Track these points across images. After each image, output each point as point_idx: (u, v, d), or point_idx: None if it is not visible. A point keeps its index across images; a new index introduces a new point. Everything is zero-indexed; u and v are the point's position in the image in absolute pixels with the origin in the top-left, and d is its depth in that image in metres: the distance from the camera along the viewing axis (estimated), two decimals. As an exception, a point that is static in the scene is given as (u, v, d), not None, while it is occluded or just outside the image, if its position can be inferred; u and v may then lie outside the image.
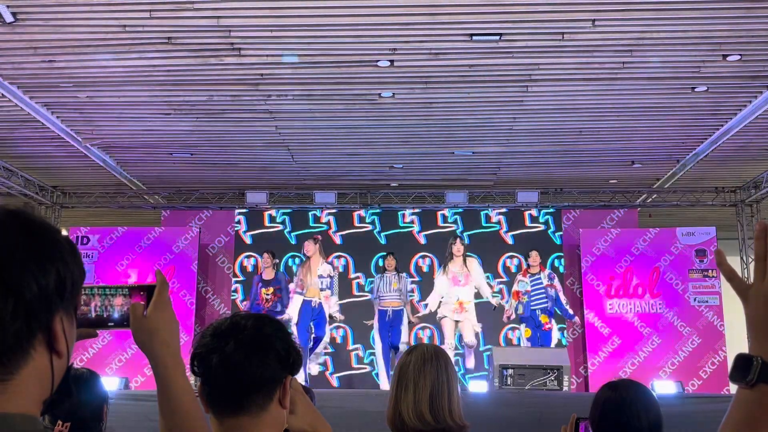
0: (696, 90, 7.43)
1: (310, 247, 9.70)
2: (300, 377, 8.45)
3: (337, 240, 10.76)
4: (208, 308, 10.80)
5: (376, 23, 6.14)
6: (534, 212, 10.82)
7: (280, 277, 9.72)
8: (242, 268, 10.77)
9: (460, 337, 9.51)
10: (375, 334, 9.60)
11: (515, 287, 9.56)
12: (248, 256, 10.79)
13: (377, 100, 7.78)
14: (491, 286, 10.06)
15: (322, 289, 9.34)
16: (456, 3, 5.82)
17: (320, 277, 9.32)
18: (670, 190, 10.76)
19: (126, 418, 5.47)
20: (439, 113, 8.14)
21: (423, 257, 10.72)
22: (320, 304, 9.34)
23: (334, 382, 10.19)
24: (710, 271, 10.19)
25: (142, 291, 1.31)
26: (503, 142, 9.05)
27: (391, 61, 6.85)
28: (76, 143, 8.95)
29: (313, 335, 9.34)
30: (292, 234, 10.81)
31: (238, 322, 1.46)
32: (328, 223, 10.85)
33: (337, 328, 10.19)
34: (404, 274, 9.74)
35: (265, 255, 9.87)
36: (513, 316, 9.52)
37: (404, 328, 9.39)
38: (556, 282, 9.57)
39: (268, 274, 9.72)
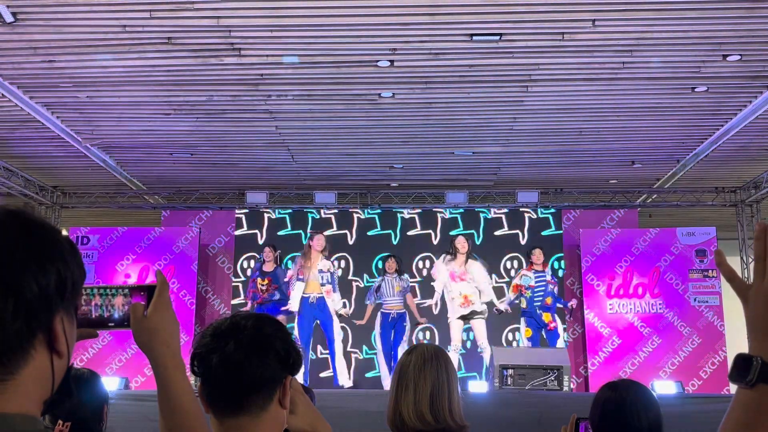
0: (696, 90, 7.43)
1: (321, 242, 9.63)
2: (299, 377, 8.49)
3: (338, 240, 10.76)
4: (208, 308, 10.80)
5: (376, 23, 6.14)
6: (533, 213, 10.82)
7: (279, 273, 9.74)
8: (243, 270, 10.77)
9: (473, 343, 9.59)
10: (377, 335, 9.59)
11: (517, 281, 9.55)
12: (249, 258, 10.79)
13: (377, 100, 7.78)
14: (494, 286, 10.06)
15: (322, 284, 9.31)
16: (456, 3, 5.82)
17: (320, 271, 9.30)
18: (670, 190, 10.76)
19: (126, 418, 5.47)
20: (439, 113, 8.14)
21: (423, 259, 10.72)
22: (319, 299, 9.30)
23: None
24: (710, 271, 10.19)
25: (142, 291, 1.32)
26: (503, 142, 9.05)
27: (391, 61, 6.85)
28: (76, 143, 8.95)
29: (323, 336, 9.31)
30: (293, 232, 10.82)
31: (238, 322, 1.46)
32: (328, 223, 10.85)
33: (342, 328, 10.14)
34: (405, 276, 9.75)
35: (267, 249, 9.92)
36: (509, 310, 9.53)
37: (407, 329, 9.39)
38: (553, 279, 9.68)
39: (269, 267, 9.75)
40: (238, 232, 10.96)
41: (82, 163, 9.84)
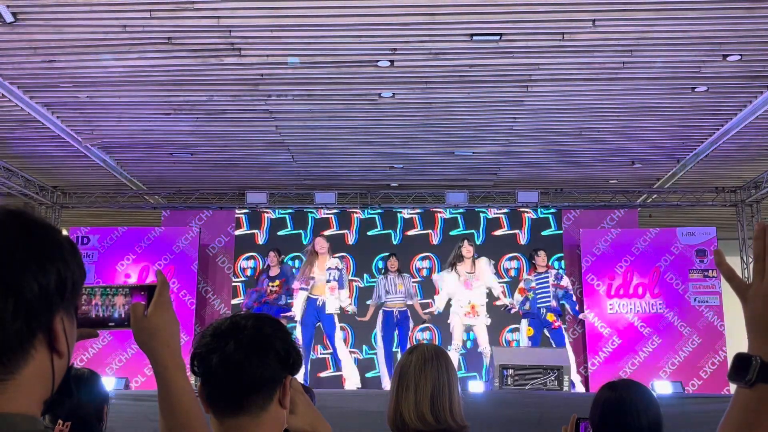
0: (696, 90, 7.43)
1: (323, 244, 9.63)
2: (299, 377, 8.49)
3: (338, 240, 10.76)
4: (208, 308, 10.80)
5: (376, 23, 6.14)
6: (533, 213, 10.82)
7: (286, 270, 9.72)
8: (242, 270, 10.77)
9: (474, 342, 9.58)
10: (378, 334, 9.59)
11: (521, 284, 9.62)
12: (249, 257, 10.78)
13: (377, 100, 7.78)
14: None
15: (328, 281, 9.29)
16: (456, 3, 5.82)
17: (328, 269, 9.28)
18: (671, 190, 10.76)
19: (126, 418, 5.47)
20: (439, 113, 8.14)
21: (423, 259, 10.72)
22: (324, 302, 9.27)
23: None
24: (710, 271, 10.19)
25: (142, 291, 1.32)
26: (503, 142, 9.05)
27: (391, 61, 6.85)
28: (76, 143, 8.95)
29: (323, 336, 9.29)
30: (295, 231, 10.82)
31: (238, 322, 1.46)
32: (328, 222, 10.85)
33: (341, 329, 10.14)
34: (407, 275, 9.75)
35: (271, 254, 9.90)
36: (516, 309, 9.57)
37: (411, 327, 9.40)
38: (565, 282, 9.60)
39: (275, 272, 9.74)
40: (238, 232, 10.96)
41: (82, 163, 9.84)
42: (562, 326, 9.48)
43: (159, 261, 10.43)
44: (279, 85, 7.43)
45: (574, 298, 9.55)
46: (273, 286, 9.52)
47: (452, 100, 7.75)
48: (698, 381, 9.84)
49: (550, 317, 9.25)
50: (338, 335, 9.33)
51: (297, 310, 9.24)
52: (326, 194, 10.58)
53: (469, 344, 9.90)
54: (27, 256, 0.85)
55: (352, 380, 9.35)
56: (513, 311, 9.65)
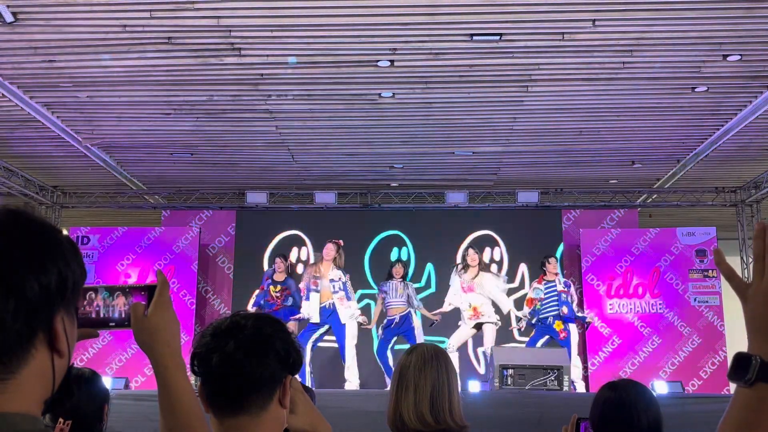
0: (696, 90, 7.43)
1: (331, 251, 9.42)
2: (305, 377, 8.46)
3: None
4: (208, 308, 10.80)
5: (376, 23, 6.14)
6: (533, 213, 10.82)
7: (290, 283, 9.61)
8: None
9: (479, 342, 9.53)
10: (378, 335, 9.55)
11: (530, 294, 9.28)
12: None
13: (377, 100, 7.78)
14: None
15: (334, 292, 9.17)
16: (456, 3, 5.83)
17: (331, 281, 9.15)
18: (671, 190, 10.76)
19: (126, 418, 5.47)
20: (439, 113, 8.14)
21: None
22: (332, 306, 9.17)
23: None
24: (710, 271, 10.19)
25: (143, 291, 1.32)
26: (503, 142, 9.05)
27: (391, 61, 6.85)
28: (76, 143, 8.95)
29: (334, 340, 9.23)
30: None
31: (238, 322, 1.46)
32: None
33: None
34: (409, 282, 9.67)
35: (278, 259, 9.72)
36: (523, 328, 9.34)
37: (416, 327, 9.31)
38: (572, 290, 9.33)
39: (280, 277, 9.59)
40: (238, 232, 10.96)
41: (82, 163, 9.84)
42: (569, 334, 9.19)
43: (159, 261, 10.43)
44: (279, 85, 7.43)
45: (576, 310, 9.14)
46: (275, 291, 9.47)
47: (452, 100, 7.75)
48: (698, 381, 9.84)
49: (558, 326, 9.02)
50: (349, 343, 9.22)
51: (313, 312, 9.03)
52: (326, 194, 10.57)
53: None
54: (27, 255, 0.85)
55: (352, 382, 9.32)
56: (517, 329, 9.45)
